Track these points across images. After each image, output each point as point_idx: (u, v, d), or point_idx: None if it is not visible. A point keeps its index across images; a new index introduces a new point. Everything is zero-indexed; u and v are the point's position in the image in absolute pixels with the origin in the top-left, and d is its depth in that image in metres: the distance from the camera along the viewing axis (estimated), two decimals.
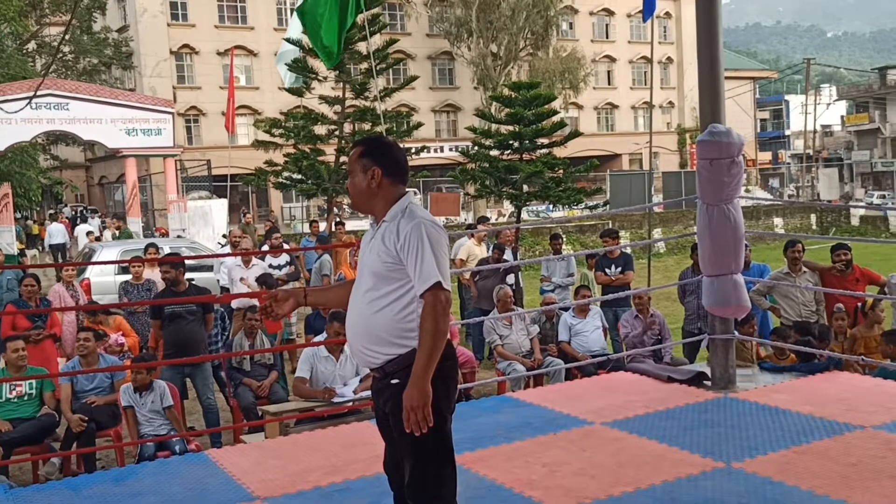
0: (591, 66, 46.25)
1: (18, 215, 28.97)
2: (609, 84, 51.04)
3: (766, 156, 62.15)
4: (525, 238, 22.84)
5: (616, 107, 51.26)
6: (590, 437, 4.89)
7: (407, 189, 3.21)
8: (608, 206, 21.03)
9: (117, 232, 21.88)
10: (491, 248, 10.99)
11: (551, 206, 16.10)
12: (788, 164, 60.66)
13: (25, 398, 6.55)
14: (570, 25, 49.28)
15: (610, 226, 26.13)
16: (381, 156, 3.16)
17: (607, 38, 50.88)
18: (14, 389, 6.52)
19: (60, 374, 6.89)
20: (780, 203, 33.18)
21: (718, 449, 4.54)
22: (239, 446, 5.48)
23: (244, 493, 4.29)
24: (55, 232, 25.90)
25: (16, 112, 18.87)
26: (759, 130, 61.35)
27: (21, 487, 5.00)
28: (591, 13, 50.20)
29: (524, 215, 15.23)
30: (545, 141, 12.95)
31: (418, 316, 2.98)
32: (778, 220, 30.67)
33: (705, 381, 5.93)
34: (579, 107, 47.95)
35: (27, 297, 8.37)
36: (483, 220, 15.85)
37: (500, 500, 4.04)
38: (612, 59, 50.86)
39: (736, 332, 6.05)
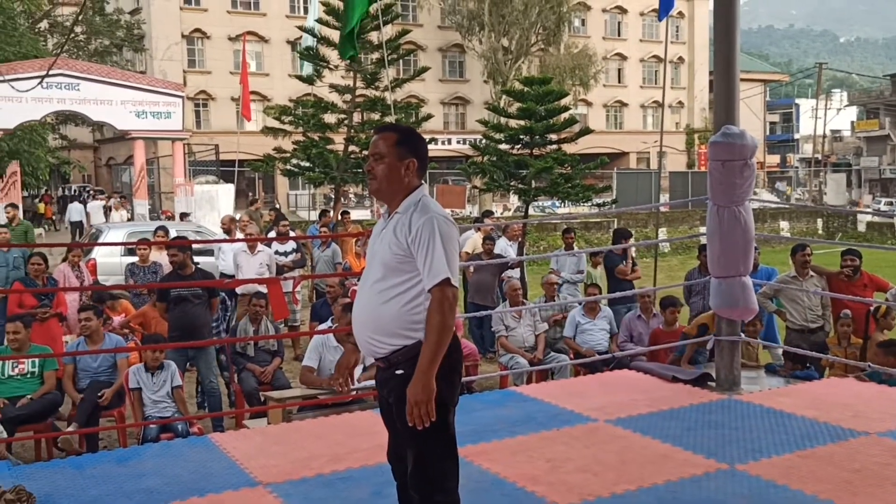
0: (602, 64, 46.10)
1: (25, 194, 29.15)
2: (619, 82, 50.90)
3: (774, 159, 61.99)
4: (530, 233, 22.81)
5: (625, 105, 51.13)
6: (593, 434, 4.89)
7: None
8: (616, 203, 20.98)
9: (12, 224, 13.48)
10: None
11: (557, 202, 16.11)
12: (796, 167, 60.47)
13: (28, 376, 6.57)
14: (583, 22, 49.14)
15: (616, 224, 26.11)
16: (416, 147, 3.15)
17: (619, 35, 50.72)
18: (16, 367, 6.54)
19: (60, 353, 6.89)
20: (787, 206, 33.06)
21: (722, 450, 4.53)
22: (242, 431, 5.49)
23: (247, 478, 4.30)
24: (74, 210, 27.11)
25: (27, 91, 18.88)
26: (768, 133, 61.16)
27: (24, 465, 5.01)
28: (604, 10, 50.03)
29: (530, 211, 15.24)
30: (555, 137, 12.91)
31: (425, 309, 2.98)
32: (784, 224, 30.60)
33: (710, 383, 5.92)
34: (588, 104, 47.82)
35: (34, 276, 8.37)
36: (488, 213, 15.82)
37: (503, 494, 4.04)
38: (623, 58, 50.72)
39: (741, 334, 6.05)
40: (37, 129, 28.89)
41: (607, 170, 30.88)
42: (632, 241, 11.01)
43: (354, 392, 6.20)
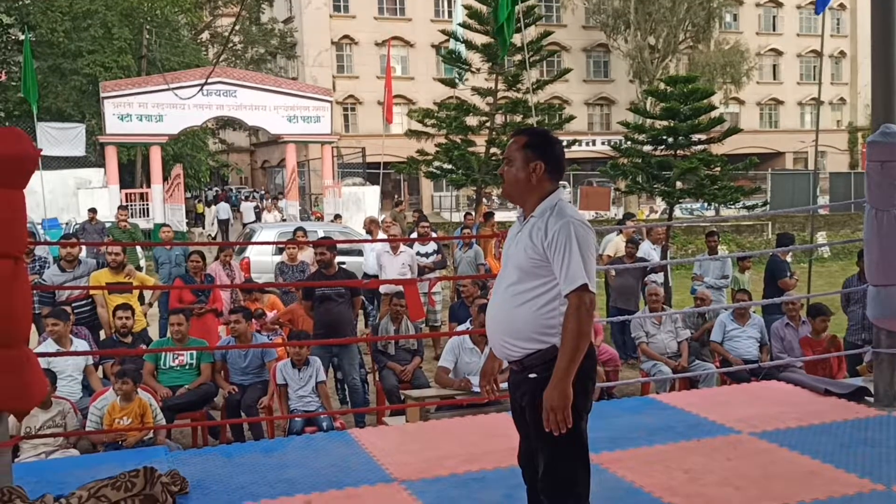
0: (755, 60, 44.27)
1: (188, 195, 31.12)
2: (774, 79, 48.73)
3: None
4: (677, 236, 22.18)
5: (781, 103, 48.89)
6: (736, 446, 4.70)
7: (560, 183, 3.19)
8: (767, 206, 20.05)
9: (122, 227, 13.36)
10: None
11: (706, 205, 15.55)
12: None
13: (186, 367, 6.98)
14: (734, 17, 47.36)
15: (771, 227, 24.95)
16: (545, 150, 3.14)
17: (774, 30, 48.54)
18: (177, 358, 6.97)
19: (216, 347, 7.29)
20: None
21: (878, 470, 4.25)
22: (381, 428, 5.62)
23: (383, 473, 4.40)
24: (222, 209, 29.13)
25: (189, 98, 20.10)
26: None
27: (180, 451, 5.33)
28: (758, 4, 48.04)
29: (677, 213, 14.81)
30: (701, 137, 12.49)
31: (560, 313, 2.97)
32: None
33: (867, 398, 5.56)
34: (741, 102, 46.09)
35: (193, 273, 8.87)
36: (629, 216, 15.49)
37: (638, 503, 3.95)
38: (779, 53, 48.49)
39: None
40: (198, 134, 30.78)
41: (761, 170, 29.65)
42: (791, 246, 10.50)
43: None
